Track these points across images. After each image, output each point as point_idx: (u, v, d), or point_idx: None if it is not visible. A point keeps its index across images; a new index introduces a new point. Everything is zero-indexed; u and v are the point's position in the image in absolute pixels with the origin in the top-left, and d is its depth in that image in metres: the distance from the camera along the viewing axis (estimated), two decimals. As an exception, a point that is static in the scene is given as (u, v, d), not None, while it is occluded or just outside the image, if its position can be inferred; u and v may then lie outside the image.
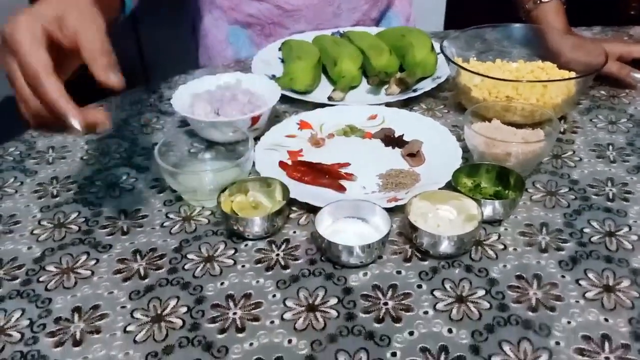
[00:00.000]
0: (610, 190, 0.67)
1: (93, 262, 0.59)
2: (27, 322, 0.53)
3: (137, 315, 0.53)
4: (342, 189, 0.68)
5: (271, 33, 1.08)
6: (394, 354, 0.49)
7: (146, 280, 0.57)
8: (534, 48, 0.91)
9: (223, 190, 0.63)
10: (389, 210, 0.60)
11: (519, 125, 0.71)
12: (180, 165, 0.70)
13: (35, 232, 0.64)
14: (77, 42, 0.52)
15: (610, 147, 0.75)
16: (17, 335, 0.52)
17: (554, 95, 0.77)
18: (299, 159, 0.74)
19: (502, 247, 0.60)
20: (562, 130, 0.79)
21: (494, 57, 0.90)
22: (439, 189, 0.64)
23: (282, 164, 0.72)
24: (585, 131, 0.79)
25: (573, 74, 0.81)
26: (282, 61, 0.98)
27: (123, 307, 0.54)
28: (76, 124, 0.51)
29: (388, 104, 0.84)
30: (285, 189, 0.64)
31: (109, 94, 0.92)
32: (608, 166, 0.72)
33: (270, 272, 0.57)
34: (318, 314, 0.53)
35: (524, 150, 0.67)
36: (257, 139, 0.75)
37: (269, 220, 0.60)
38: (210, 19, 1.10)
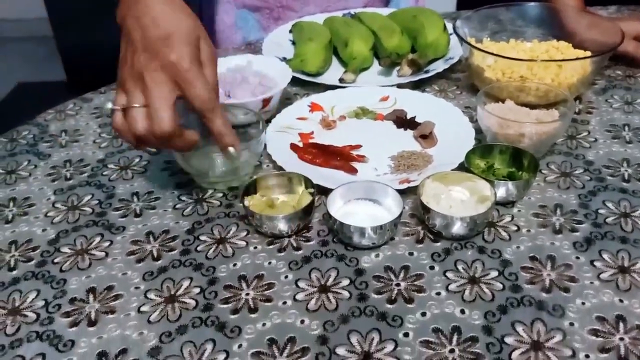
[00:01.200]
0: (626, 170, 0.67)
1: (107, 243, 0.60)
2: (43, 302, 0.53)
3: (151, 295, 0.53)
4: (353, 170, 0.68)
5: (280, 16, 1.07)
6: (406, 335, 0.49)
7: (159, 262, 0.57)
8: (548, 28, 0.90)
9: (247, 193, 0.61)
10: (401, 192, 0.60)
11: (533, 106, 0.71)
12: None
13: (49, 214, 0.64)
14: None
15: (626, 128, 0.74)
16: (33, 316, 0.52)
17: (569, 75, 0.76)
18: (310, 141, 0.74)
19: (515, 228, 0.59)
20: (577, 110, 0.78)
21: (508, 37, 0.89)
22: (452, 170, 0.64)
23: (293, 146, 0.72)
24: (600, 111, 0.78)
25: (588, 54, 0.80)
26: (293, 43, 0.98)
27: (137, 287, 0.54)
28: (234, 152, 0.59)
29: (400, 86, 0.84)
30: (307, 181, 0.62)
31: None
32: (624, 147, 0.71)
33: (282, 254, 0.57)
34: (330, 295, 0.53)
35: (538, 130, 0.66)
36: (268, 121, 0.75)
37: (300, 218, 0.58)
38: (218, 2, 1.09)
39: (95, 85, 0.91)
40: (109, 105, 0.55)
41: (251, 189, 0.62)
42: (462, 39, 0.81)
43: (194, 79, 0.54)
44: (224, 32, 1.11)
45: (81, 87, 0.91)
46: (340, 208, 0.60)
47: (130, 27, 0.56)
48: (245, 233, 0.60)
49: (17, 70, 2.92)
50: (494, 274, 0.54)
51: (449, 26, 0.91)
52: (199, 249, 0.59)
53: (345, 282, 0.54)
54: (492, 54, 0.77)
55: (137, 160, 0.72)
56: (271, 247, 0.58)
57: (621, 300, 0.51)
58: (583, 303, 0.51)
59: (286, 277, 0.55)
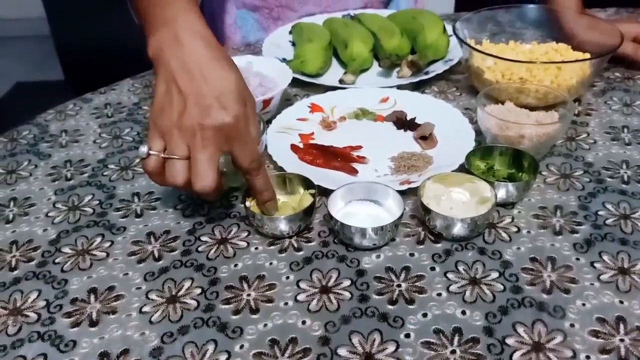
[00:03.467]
0: (625, 172, 0.67)
1: (108, 244, 0.60)
2: (44, 302, 0.53)
3: (152, 296, 0.54)
4: (354, 171, 0.68)
5: (279, 16, 1.07)
6: (407, 336, 0.49)
7: (160, 262, 0.57)
8: (547, 29, 0.90)
9: (248, 194, 0.60)
10: (402, 193, 0.60)
11: (532, 108, 0.71)
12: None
13: (50, 214, 0.64)
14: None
15: (625, 130, 0.75)
16: (34, 316, 0.52)
17: (569, 77, 0.76)
18: (311, 142, 0.74)
19: (515, 229, 0.59)
20: (576, 112, 0.78)
21: (507, 39, 0.89)
22: (452, 171, 0.64)
23: (293, 147, 0.72)
24: (599, 113, 0.78)
25: (587, 56, 0.80)
26: (293, 44, 0.98)
27: (138, 288, 0.54)
28: (272, 206, 0.59)
29: (400, 87, 0.84)
30: (307, 182, 0.62)
31: (119, 77, 0.92)
32: (623, 148, 0.71)
33: (283, 254, 0.57)
34: (332, 296, 0.53)
35: (538, 132, 0.66)
36: (268, 122, 0.75)
37: (301, 219, 0.59)
38: (218, 2, 1.09)
39: (93, 84, 0.91)
40: (145, 149, 0.54)
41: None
42: (461, 41, 0.81)
43: (246, 141, 0.54)
44: (224, 32, 1.11)
45: (79, 86, 0.91)
46: (341, 209, 0.60)
47: (175, 72, 0.54)
48: (246, 234, 0.60)
49: (15, 69, 2.91)
50: (495, 275, 0.54)
51: (449, 28, 0.91)
52: (200, 249, 0.59)
53: (347, 282, 0.54)
54: (492, 55, 0.78)
55: (137, 160, 0.72)
56: (272, 247, 0.58)
57: (621, 302, 0.51)
58: (583, 304, 0.51)
59: (287, 277, 0.55)
